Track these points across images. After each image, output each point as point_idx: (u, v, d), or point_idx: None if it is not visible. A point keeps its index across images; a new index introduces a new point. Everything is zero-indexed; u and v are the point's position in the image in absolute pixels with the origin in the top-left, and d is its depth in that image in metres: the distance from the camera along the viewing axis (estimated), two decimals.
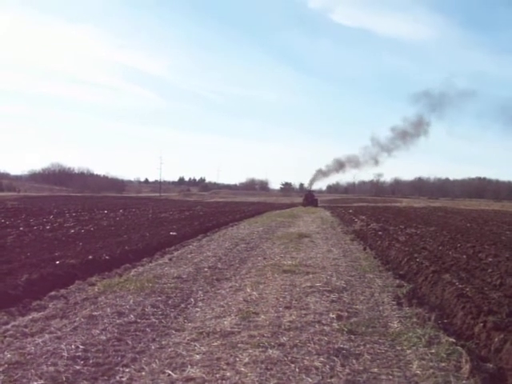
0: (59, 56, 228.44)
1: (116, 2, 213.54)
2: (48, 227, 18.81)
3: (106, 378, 4.66)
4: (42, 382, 4.49)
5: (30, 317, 6.63)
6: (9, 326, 6.14)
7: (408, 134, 77.30)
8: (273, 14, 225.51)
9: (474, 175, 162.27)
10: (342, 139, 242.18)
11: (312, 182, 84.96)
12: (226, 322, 6.60)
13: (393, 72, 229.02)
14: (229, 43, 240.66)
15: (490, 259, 12.48)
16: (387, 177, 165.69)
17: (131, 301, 7.67)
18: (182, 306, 7.58)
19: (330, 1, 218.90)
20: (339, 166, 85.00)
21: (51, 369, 4.77)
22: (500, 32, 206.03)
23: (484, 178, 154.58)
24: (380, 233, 20.13)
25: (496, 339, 5.71)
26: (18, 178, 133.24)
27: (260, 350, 5.48)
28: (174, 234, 17.45)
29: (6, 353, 5.19)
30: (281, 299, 8.00)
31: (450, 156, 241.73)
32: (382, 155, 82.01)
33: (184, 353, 5.39)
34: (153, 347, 5.60)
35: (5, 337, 5.73)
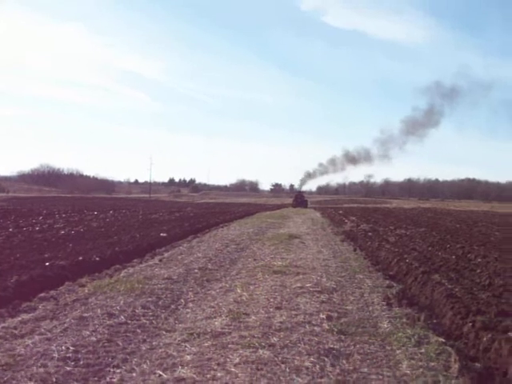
0: (50, 57, 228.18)
1: (110, 2, 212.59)
2: (37, 228, 18.73)
3: (96, 378, 4.65)
4: (32, 383, 4.47)
5: (20, 318, 6.59)
6: None
7: (420, 124, 76.70)
8: (265, 17, 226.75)
9: (463, 176, 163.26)
10: (333, 140, 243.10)
11: (302, 182, 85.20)
12: (216, 323, 6.61)
13: (386, 74, 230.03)
14: (221, 45, 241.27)
15: (479, 260, 12.55)
16: (377, 178, 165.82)
17: (121, 302, 7.65)
18: (173, 306, 7.57)
19: (323, 3, 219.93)
20: (349, 160, 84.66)
21: (41, 370, 4.76)
22: (491, 34, 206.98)
23: (473, 179, 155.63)
24: (370, 234, 20.21)
25: (484, 339, 5.75)
26: (6, 179, 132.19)
27: (251, 350, 5.49)
28: (165, 235, 17.43)
29: None
30: (271, 300, 8.02)
31: (439, 157, 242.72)
32: (393, 149, 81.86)
33: (175, 353, 5.39)
34: (143, 348, 5.59)
35: None
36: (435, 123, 78.25)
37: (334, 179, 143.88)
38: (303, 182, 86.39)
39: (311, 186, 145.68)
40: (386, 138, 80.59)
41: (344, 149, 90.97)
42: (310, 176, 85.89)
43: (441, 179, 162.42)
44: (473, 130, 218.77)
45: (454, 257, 13.09)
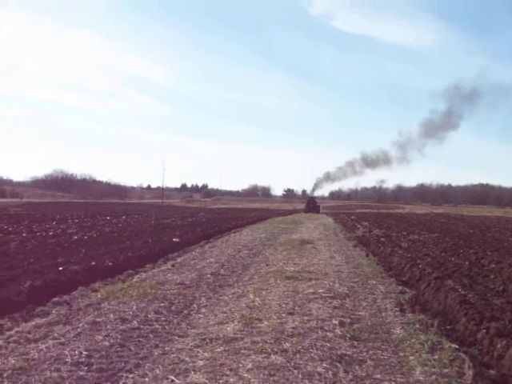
0: (60, 62, 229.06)
1: (116, 6, 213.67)
2: (51, 233, 18.84)
3: (109, 383, 4.68)
4: None
5: (34, 323, 6.64)
6: (12, 332, 6.16)
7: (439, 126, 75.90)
8: (275, 21, 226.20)
9: (476, 181, 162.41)
10: (345, 145, 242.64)
11: (315, 187, 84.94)
12: (228, 328, 6.61)
13: (395, 78, 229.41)
14: (231, 49, 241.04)
15: (493, 265, 12.47)
16: (390, 183, 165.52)
17: (134, 307, 7.68)
18: (185, 312, 7.58)
19: (332, 8, 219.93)
20: (367, 163, 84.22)
21: (55, 374, 4.79)
22: (502, 37, 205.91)
23: (487, 184, 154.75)
24: (383, 239, 20.12)
25: (499, 345, 5.71)
26: (20, 185, 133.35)
27: (263, 355, 5.49)
28: (177, 240, 17.46)
29: (9, 358, 5.21)
30: (283, 305, 8.01)
31: (452, 162, 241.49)
32: (412, 152, 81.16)
33: (187, 359, 5.40)
34: (156, 353, 5.60)
35: (8, 343, 5.75)
36: (454, 126, 77.13)
37: (346, 184, 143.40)
38: (316, 186, 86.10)
39: (323, 191, 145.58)
40: (405, 141, 79.91)
41: (362, 152, 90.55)
42: (328, 178, 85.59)
43: (454, 184, 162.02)
44: (486, 134, 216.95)
45: (467, 262, 13.01)
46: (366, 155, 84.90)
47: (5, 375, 4.74)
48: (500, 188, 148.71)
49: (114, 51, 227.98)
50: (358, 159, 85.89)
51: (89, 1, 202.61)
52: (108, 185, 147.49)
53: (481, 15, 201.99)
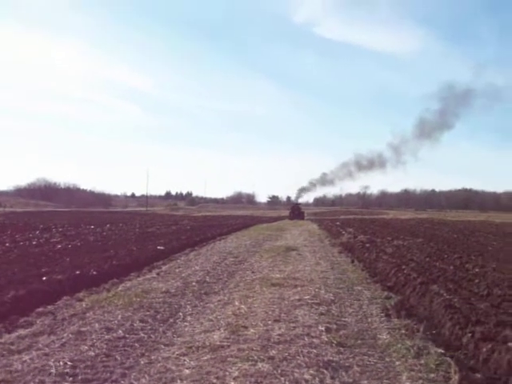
0: (43, 72, 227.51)
1: (100, 16, 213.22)
2: (34, 243, 18.65)
3: None
4: None
5: (17, 333, 6.56)
6: None
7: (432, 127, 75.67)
8: (258, 29, 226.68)
9: (459, 186, 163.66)
10: (329, 152, 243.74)
11: (299, 194, 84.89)
12: (215, 336, 6.58)
13: (379, 84, 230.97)
14: (215, 58, 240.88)
15: (477, 270, 12.57)
16: (374, 189, 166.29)
17: (119, 316, 7.62)
18: (171, 320, 7.55)
19: (314, 15, 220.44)
20: (362, 167, 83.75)
21: None
22: (482, 44, 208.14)
23: (470, 189, 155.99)
24: (367, 245, 20.18)
25: (484, 349, 5.75)
26: (3, 194, 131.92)
27: (249, 363, 5.47)
28: (162, 248, 17.38)
29: None
30: (269, 312, 8.00)
31: (435, 168, 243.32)
32: (406, 155, 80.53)
33: (173, 367, 5.37)
34: (142, 362, 5.56)
35: None
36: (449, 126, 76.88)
37: (331, 191, 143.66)
38: (301, 193, 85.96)
39: (308, 197, 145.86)
40: (399, 143, 79.70)
41: (356, 154, 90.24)
42: (324, 181, 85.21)
43: (437, 190, 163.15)
44: (468, 140, 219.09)
45: (451, 267, 13.10)
46: (360, 157, 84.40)
47: None
48: (483, 192, 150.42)
49: (98, 60, 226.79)
50: (352, 161, 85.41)
51: (74, 11, 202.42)
52: (92, 193, 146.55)
53: (463, 21, 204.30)
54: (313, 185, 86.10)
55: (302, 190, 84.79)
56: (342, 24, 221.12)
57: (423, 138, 76.70)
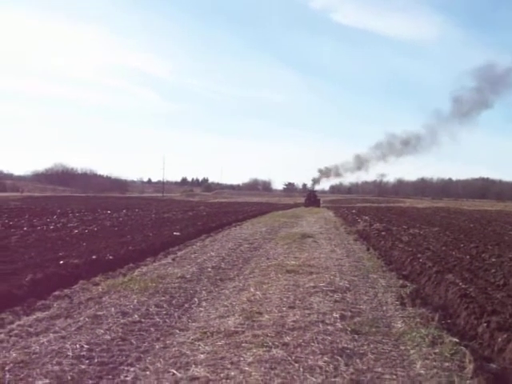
0: (62, 56, 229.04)
1: (120, 2, 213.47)
2: (51, 227, 18.85)
3: (110, 377, 4.68)
4: (47, 381, 4.51)
5: (35, 316, 6.65)
6: (14, 326, 6.17)
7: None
8: (275, 15, 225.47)
9: (477, 175, 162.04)
10: (346, 139, 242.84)
11: (315, 181, 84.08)
12: (229, 322, 6.61)
13: (396, 71, 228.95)
14: (232, 43, 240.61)
15: (494, 259, 12.48)
16: (390, 177, 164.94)
17: (135, 300, 7.69)
18: (186, 305, 7.60)
19: (331, 1, 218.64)
20: (394, 149, 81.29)
21: (56, 368, 4.80)
22: (502, 31, 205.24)
23: (487, 179, 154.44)
24: (383, 233, 20.13)
25: (499, 339, 5.72)
26: (21, 179, 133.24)
27: (264, 349, 5.49)
28: (178, 234, 17.45)
29: (11, 352, 5.22)
30: (284, 299, 8.02)
31: (452, 156, 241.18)
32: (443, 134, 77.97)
33: (188, 352, 5.41)
34: (157, 347, 5.61)
35: (10, 336, 5.76)
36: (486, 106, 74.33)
37: (348, 179, 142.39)
38: (317, 180, 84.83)
39: (324, 185, 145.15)
40: (436, 124, 77.20)
41: (388, 133, 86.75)
42: (360, 163, 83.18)
43: (454, 178, 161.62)
44: (486, 128, 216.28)
45: (467, 256, 13.01)
46: (393, 137, 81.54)
47: (6, 368, 4.74)
48: (500, 182, 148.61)
49: (117, 46, 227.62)
50: (385, 142, 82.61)
51: None
52: (109, 179, 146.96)
53: (481, 8, 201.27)
54: (357, 165, 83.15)
55: (319, 177, 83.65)
56: (358, 10, 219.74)
57: (460, 117, 74.00)
